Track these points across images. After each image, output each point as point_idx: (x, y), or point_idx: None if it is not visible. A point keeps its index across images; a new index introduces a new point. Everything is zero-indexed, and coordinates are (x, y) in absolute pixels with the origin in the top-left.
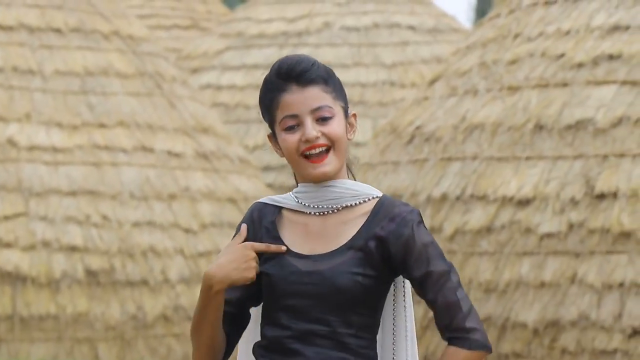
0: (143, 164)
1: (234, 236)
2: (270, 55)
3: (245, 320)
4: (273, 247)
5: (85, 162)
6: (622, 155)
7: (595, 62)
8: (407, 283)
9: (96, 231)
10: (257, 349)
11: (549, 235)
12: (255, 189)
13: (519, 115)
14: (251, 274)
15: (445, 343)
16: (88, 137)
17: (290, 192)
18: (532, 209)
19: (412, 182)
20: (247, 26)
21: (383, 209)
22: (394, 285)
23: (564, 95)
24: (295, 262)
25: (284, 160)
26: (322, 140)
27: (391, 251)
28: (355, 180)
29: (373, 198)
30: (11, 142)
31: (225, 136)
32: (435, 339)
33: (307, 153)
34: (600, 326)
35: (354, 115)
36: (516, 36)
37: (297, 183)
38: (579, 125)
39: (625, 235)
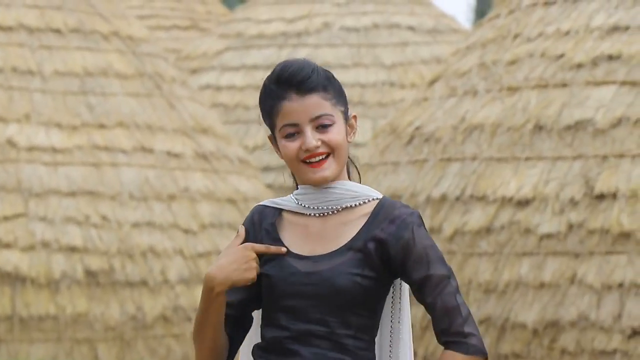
0: (142, 164)
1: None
2: (270, 56)
3: (247, 322)
4: (273, 249)
5: (84, 162)
6: (621, 156)
7: (595, 62)
8: (404, 285)
9: (95, 232)
10: (257, 350)
11: (548, 236)
12: (255, 189)
13: (518, 116)
14: (252, 274)
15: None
16: (87, 138)
17: (291, 194)
18: (531, 209)
19: (411, 182)
20: (247, 27)
21: (383, 211)
22: (392, 287)
23: (564, 96)
24: (295, 263)
25: (283, 161)
26: (322, 149)
27: (390, 253)
28: (359, 179)
29: (373, 199)
30: (11, 143)
31: (225, 137)
32: (434, 339)
33: (307, 161)
34: (600, 327)
35: (354, 116)
36: (516, 37)
37: (295, 185)
38: (578, 126)
39: (625, 235)
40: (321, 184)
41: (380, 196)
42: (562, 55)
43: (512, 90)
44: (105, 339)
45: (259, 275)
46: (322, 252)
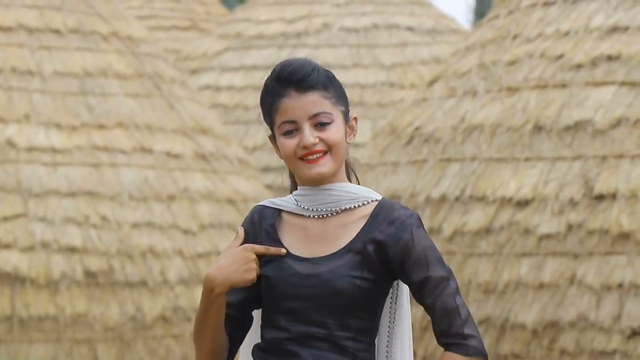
0: (142, 164)
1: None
2: (269, 56)
3: (247, 323)
4: (273, 250)
5: (84, 163)
6: (621, 156)
7: (594, 63)
8: (403, 286)
9: (95, 232)
10: (256, 350)
11: (547, 236)
12: (255, 190)
13: (517, 116)
14: (252, 275)
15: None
16: (87, 138)
17: (290, 195)
18: (531, 209)
19: (411, 183)
20: (246, 27)
21: (382, 213)
22: (391, 289)
23: (563, 96)
24: (295, 265)
25: (283, 162)
26: (320, 146)
27: (390, 255)
28: (358, 181)
29: (372, 201)
30: (10, 143)
31: (224, 137)
32: (434, 340)
33: (305, 158)
34: (599, 327)
35: (355, 118)
36: (515, 37)
37: (292, 186)
38: (577, 126)
39: (624, 236)
40: (317, 181)
41: (380, 198)
42: (561, 56)
43: (512, 90)
44: (104, 340)
45: (259, 276)
46: (322, 254)
